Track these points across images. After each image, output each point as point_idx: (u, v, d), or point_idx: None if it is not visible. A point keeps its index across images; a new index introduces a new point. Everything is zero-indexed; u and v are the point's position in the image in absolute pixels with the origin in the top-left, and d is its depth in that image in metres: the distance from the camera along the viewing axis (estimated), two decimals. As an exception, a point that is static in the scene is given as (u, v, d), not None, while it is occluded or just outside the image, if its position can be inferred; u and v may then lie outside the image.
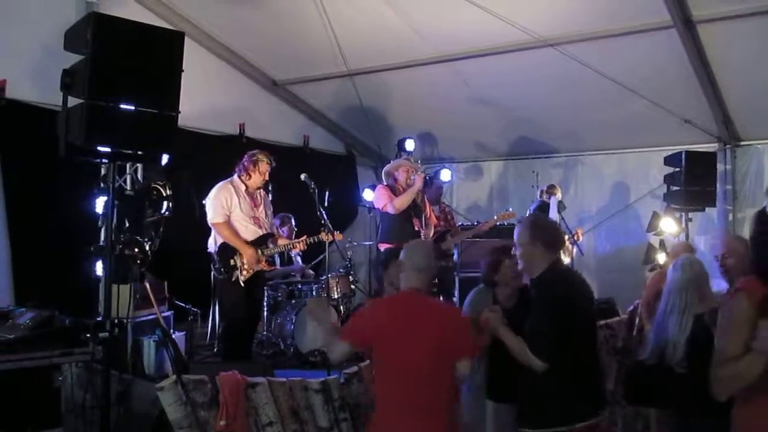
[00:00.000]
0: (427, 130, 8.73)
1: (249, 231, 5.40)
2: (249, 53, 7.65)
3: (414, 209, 6.16)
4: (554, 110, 7.70)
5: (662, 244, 6.92)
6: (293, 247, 5.87)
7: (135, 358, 4.74)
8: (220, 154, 6.62)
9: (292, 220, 6.98)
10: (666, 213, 7.05)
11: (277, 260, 6.92)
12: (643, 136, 7.84)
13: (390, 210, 6.10)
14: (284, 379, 3.99)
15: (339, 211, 8.51)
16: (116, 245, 3.53)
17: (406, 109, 8.30)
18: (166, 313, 5.47)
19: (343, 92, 8.01)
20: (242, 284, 5.31)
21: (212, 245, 5.39)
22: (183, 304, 6.01)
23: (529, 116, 8.01)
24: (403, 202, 6.08)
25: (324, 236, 5.64)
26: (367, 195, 7.36)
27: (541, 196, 7.79)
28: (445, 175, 7.57)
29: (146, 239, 3.71)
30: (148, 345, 4.71)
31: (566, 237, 7.14)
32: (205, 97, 7.04)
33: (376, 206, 6.41)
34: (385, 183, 6.46)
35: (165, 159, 4.87)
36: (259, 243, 5.43)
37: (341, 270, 6.56)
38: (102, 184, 3.76)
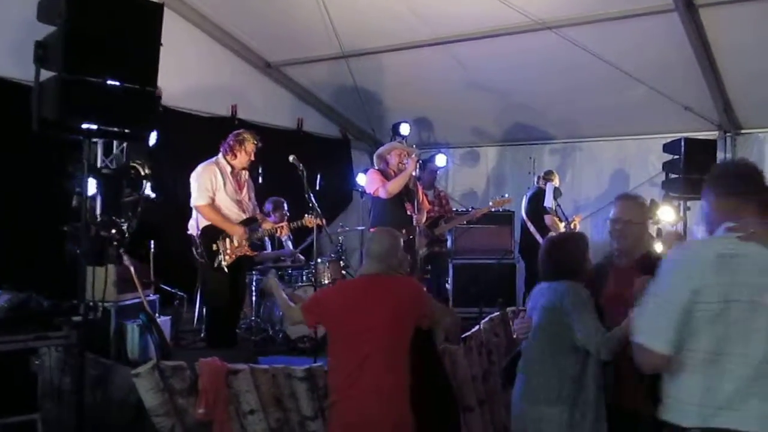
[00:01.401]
0: (422, 115, 8.58)
1: (232, 215, 5.27)
2: (242, 33, 7.47)
3: (406, 194, 6.00)
4: (552, 95, 7.56)
5: (659, 232, 6.81)
6: (276, 232, 5.75)
7: (118, 342, 4.62)
8: (211, 136, 6.43)
9: (285, 205, 6.84)
10: (664, 201, 6.93)
11: (268, 245, 6.80)
12: (642, 123, 7.71)
13: (382, 194, 5.93)
14: (267, 367, 3.90)
15: (333, 196, 8.42)
16: (91, 225, 3.42)
17: (402, 92, 8.15)
18: (152, 297, 5.34)
19: (338, 74, 7.85)
20: (225, 270, 5.19)
21: (194, 228, 5.25)
22: (169, 288, 5.90)
23: (526, 101, 7.87)
24: (395, 186, 5.90)
25: (308, 221, 5.52)
26: (361, 179, 7.23)
27: (538, 182, 7.69)
28: (441, 160, 7.43)
29: (123, 220, 3.59)
30: (132, 330, 4.58)
31: (563, 224, 7.05)
32: (197, 78, 6.90)
33: (367, 191, 6.25)
34: (376, 167, 6.30)
35: (153, 140, 4.76)
36: (244, 226, 5.31)
37: (332, 255, 6.43)
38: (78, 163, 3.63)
